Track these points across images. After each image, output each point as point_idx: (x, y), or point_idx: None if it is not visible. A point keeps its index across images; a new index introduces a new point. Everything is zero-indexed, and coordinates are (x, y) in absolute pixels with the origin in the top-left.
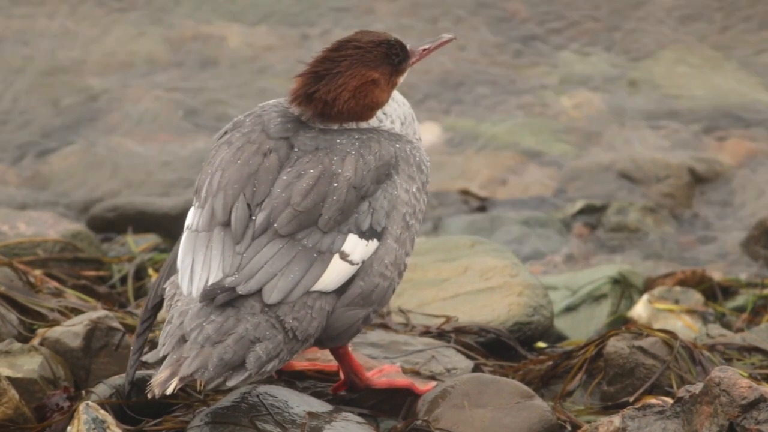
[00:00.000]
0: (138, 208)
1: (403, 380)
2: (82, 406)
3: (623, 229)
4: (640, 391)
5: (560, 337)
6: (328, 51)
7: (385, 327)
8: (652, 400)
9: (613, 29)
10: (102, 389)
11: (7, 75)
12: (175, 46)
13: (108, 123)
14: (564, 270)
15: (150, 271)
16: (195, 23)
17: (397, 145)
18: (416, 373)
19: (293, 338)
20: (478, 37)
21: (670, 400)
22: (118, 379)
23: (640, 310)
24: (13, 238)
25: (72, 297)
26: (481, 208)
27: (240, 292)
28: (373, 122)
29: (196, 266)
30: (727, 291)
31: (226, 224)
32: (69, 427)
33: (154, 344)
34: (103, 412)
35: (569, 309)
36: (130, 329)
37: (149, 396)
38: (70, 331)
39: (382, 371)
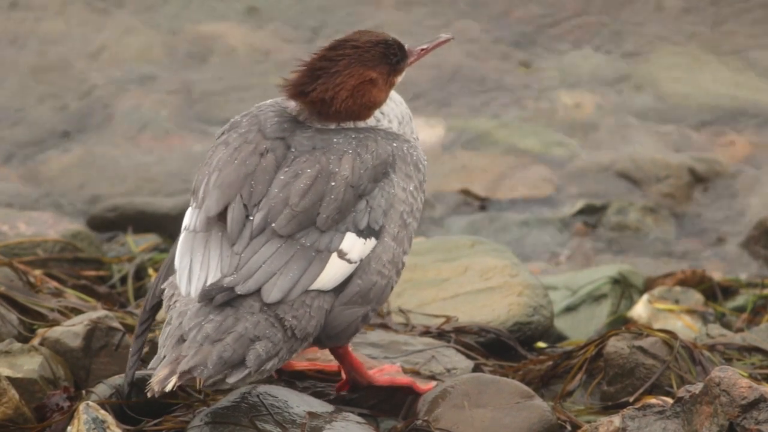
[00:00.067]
0: (138, 208)
1: (404, 378)
2: (82, 406)
3: (623, 229)
4: (640, 391)
5: (560, 337)
6: (325, 50)
7: (385, 327)
8: (652, 400)
9: (613, 29)
10: (102, 389)
11: (6, 74)
12: (175, 46)
13: (108, 123)
14: (564, 270)
15: (150, 271)
16: (194, 23)
17: (395, 144)
18: (416, 373)
19: (292, 337)
20: (477, 36)
21: (670, 400)
22: (118, 379)
23: (640, 310)
24: (13, 238)
25: (72, 297)
26: (481, 208)
27: (239, 292)
28: (370, 122)
29: (194, 267)
30: (727, 291)
31: (224, 224)
32: (69, 427)
33: (153, 345)
34: (103, 412)
35: (569, 309)
36: (130, 329)
37: (149, 395)
38: (70, 331)
39: (383, 371)
